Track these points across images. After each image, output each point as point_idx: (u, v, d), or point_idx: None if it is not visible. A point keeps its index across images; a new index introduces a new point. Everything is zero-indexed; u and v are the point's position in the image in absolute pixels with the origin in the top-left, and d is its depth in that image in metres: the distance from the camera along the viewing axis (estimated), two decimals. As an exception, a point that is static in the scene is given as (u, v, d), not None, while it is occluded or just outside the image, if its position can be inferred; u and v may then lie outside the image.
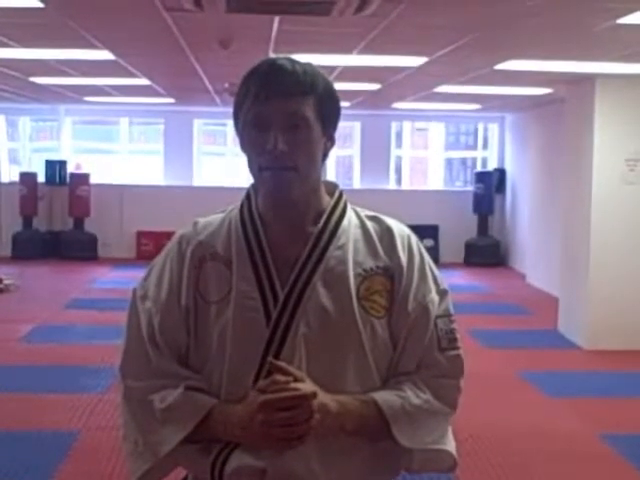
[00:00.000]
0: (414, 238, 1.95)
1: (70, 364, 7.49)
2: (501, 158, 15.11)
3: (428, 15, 5.42)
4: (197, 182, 15.13)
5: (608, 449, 5.67)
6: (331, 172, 15.33)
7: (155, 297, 1.90)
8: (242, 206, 1.93)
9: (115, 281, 12.18)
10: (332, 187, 1.96)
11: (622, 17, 5.27)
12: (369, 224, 1.93)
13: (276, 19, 5.66)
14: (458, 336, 1.93)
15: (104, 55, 7.51)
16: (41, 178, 14.48)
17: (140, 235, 14.58)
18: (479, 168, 15.60)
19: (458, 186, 16.31)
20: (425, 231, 14.44)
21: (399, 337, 1.88)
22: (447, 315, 1.92)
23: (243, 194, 1.95)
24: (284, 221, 1.88)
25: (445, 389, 1.90)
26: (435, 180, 16.13)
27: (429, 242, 14.53)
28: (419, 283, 1.89)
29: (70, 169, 14.71)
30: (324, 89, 1.84)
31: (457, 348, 1.92)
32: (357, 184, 14.96)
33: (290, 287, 1.83)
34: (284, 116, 1.78)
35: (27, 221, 14.32)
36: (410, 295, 1.87)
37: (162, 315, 1.88)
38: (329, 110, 1.85)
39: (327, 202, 1.92)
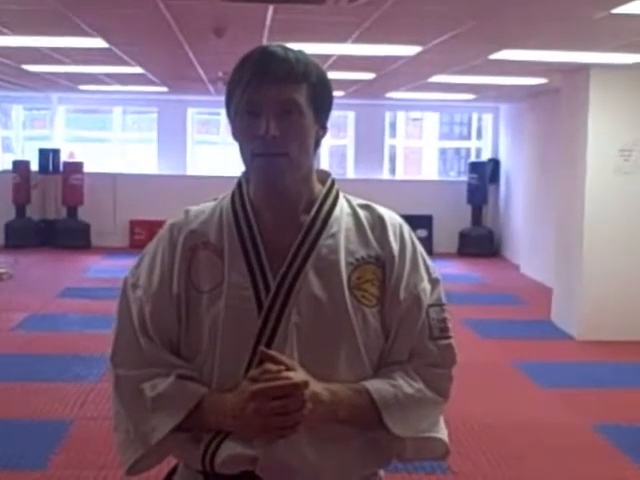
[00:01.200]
0: (406, 227, 1.95)
1: (63, 353, 7.48)
2: (495, 148, 15.11)
3: (423, 4, 5.41)
4: (191, 171, 15.11)
5: (601, 439, 5.68)
6: (325, 162, 15.31)
7: (146, 286, 1.89)
8: (234, 194, 1.92)
9: (108, 270, 12.16)
10: (324, 175, 1.95)
11: (616, 7, 5.26)
12: (361, 213, 1.92)
13: (270, 7, 5.64)
14: (450, 325, 1.93)
15: (98, 43, 7.48)
16: (34, 166, 14.44)
17: (133, 224, 14.56)
18: (473, 158, 15.60)
19: (452, 176, 16.31)
20: (419, 221, 14.43)
21: (391, 326, 1.87)
22: (439, 304, 1.92)
23: (235, 183, 1.95)
24: (276, 209, 1.87)
25: (437, 378, 1.90)
26: (429, 170, 16.13)
27: (423, 232, 14.53)
28: (411, 272, 1.89)
29: (63, 158, 14.68)
30: (317, 77, 1.83)
31: (449, 337, 1.92)
32: (351, 174, 14.96)
33: (282, 276, 1.82)
34: (276, 102, 1.77)
35: (20, 210, 14.29)
36: (402, 284, 1.87)
37: (153, 303, 1.87)
38: (322, 98, 1.85)
39: (319, 190, 1.91)
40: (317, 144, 1.87)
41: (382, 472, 1.97)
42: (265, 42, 7.06)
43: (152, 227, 14.17)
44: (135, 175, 14.73)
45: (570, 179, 8.90)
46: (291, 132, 1.78)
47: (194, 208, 1.95)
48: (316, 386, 1.76)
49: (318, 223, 1.86)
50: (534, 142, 12.39)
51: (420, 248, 1.94)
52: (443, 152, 16.64)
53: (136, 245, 14.28)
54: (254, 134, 1.78)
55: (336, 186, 1.94)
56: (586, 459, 5.40)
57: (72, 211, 14.38)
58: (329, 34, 6.74)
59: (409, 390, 1.85)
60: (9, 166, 14.43)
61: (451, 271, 12.67)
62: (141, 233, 14.40)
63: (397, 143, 16.05)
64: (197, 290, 1.86)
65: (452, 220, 14.48)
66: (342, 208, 1.91)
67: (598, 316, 8.40)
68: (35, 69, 9.96)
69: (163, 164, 14.99)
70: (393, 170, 15.95)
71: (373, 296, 1.86)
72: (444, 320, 1.92)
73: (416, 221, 14.46)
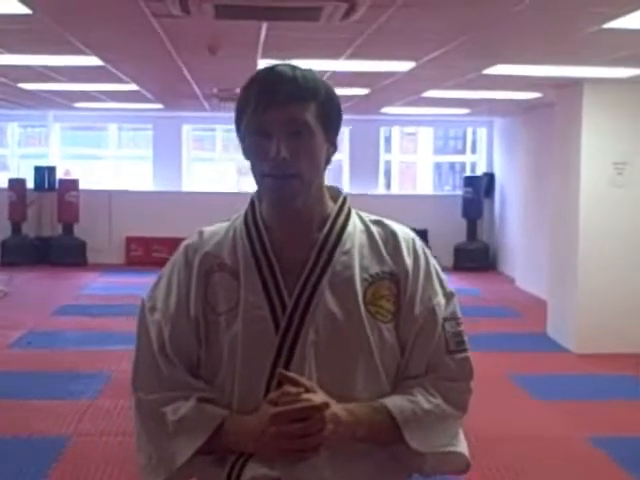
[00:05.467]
0: (419, 242, 1.95)
1: (60, 370, 7.47)
2: (490, 162, 15.14)
3: (415, 20, 5.43)
4: (186, 187, 15.12)
5: (597, 452, 5.68)
6: (320, 177, 15.28)
7: (164, 308, 1.89)
8: (246, 214, 1.92)
9: (104, 287, 12.16)
10: (336, 192, 1.95)
11: (608, 22, 5.29)
12: (374, 229, 1.92)
13: (264, 25, 5.67)
14: (466, 338, 1.94)
15: (92, 61, 7.50)
16: (30, 184, 14.43)
17: (129, 241, 14.55)
18: (468, 172, 15.61)
19: (447, 190, 16.33)
20: (414, 235, 14.44)
21: (407, 341, 1.87)
22: (454, 318, 1.92)
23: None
24: (288, 228, 1.87)
25: (455, 392, 1.90)
26: (424, 184, 16.16)
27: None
28: (425, 287, 1.89)
29: (59, 175, 14.68)
30: (325, 95, 1.83)
31: (465, 350, 1.92)
32: (346, 189, 14.95)
33: (297, 294, 1.83)
34: (286, 123, 1.77)
35: (16, 227, 14.29)
36: (417, 299, 1.87)
37: (172, 326, 1.87)
38: (331, 116, 1.85)
39: (331, 208, 1.91)
40: (327, 161, 1.88)
41: None
42: (259, 59, 7.10)
43: (148, 244, 14.22)
44: (131, 192, 14.73)
45: (564, 193, 8.93)
46: (301, 153, 1.79)
47: (208, 229, 1.95)
48: (335, 407, 1.76)
49: (332, 240, 1.86)
50: (528, 156, 12.42)
51: (434, 262, 1.95)
52: (438, 166, 16.67)
53: (132, 262, 14.28)
54: (264, 156, 1.78)
55: (348, 203, 1.94)
56: (583, 472, 5.40)
57: (68, 228, 14.37)
58: (323, 50, 6.77)
59: (428, 406, 1.85)
60: (5, 184, 14.42)
61: (447, 285, 12.68)
62: (137, 250, 14.40)
63: (392, 158, 16.07)
64: (215, 312, 1.86)
65: (447, 234, 14.47)
66: (355, 224, 1.91)
67: (593, 329, 8.41)
68: (30, 87, 9.98)
69: (158, 181, 15.00)
70: (388, 185, 15.97)
71: (388, 312, 1.86)
72: (460, 333, 1.92)
73: (411, 236, 14.49)
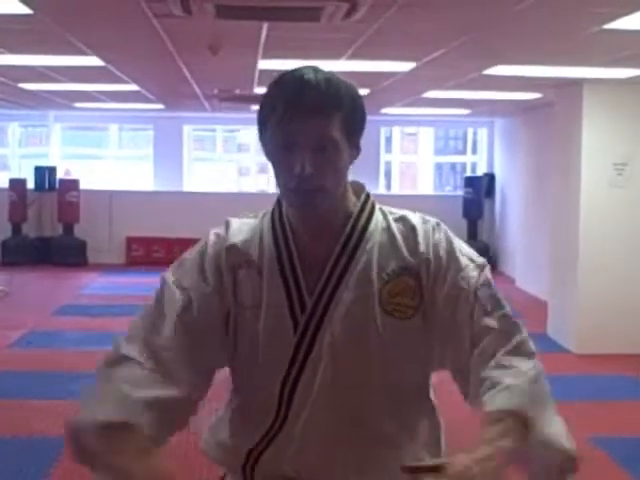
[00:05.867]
0: (439, 227, 1.93)
1: (60, 370, 7.47)
2: (490, 163, 15.14)
3: (416, 20, 5.43)
4: (187, 188, 15.12)
5: (598, 452, 5.68)
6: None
7: (194, 286, 1.86)
8: (273, 213, 1.93)
9: (105, 287, 12.16)
10: (359, 188, 1.95)
11: (609, 22, 5.29)
12: (394, 226, 1.91)
13: (265, 25, 5.67)
14: (501, 297, 1.91)
15: (93, 61, 7.50)
16: (30, 184, 14.44)
17: (130, 241, 14.55)
18: (468, 173, 15.61)
19: (448, 191, 16.33)
20: (415, 236, 14.45)
21: (443, 322, 1.85)
22: (486, 284, 1.89)
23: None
24: (312, 229, 1.88)
25: (519, 346, 1.86)
26: (425, 185, 16.16)
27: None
28: (450, 266, 1.87)
29: (59, 175, 14.68)
30: (350, 102, 1.81)
31: (503, 307, 1.88)
32: (347, 189, 14.95)
33: (317, 296, 1.84)
34: (311, 137, 1.76)
35: (16, 227, 14.29)
36: (447, 278, 1.86)
37: (202, 302, 1.85)
38: (355, 123, 1.83)
39: (354, 204, 1.91)
40: (351, 163, 1.86)
41: None
42: (260, 59, 7.10)
43: (149, 244, 14.22)
44: (131, 192, 14.74)
45: (565, 193, 8.93)
46: (326, 167, 1.78)
47: (235, 221, 1.95)
48: (481, 465, 1.68)
49: (354, 239, 1.87)
50: (529, 156, 12.42)
51: (458, 241, 1.93)
52: (438, 167, 16.67)
53: (133, 262, 14.29)
54: (289, 170, 1.77)
55: (371, 199, 1.94)
56: (583, 472, 5.37)
57: (68, 228, 14.37)
58: (324, 51, 6.77)
59: (519, 379, 1.80)
60: (5, 184, 14.43)
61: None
62: (137, 250, 14.40)
63: (392, 158, 16.08)
64: (242, 306, 1.87)
65: (448, 235, 14.46)
66: (377, 222, 1.91)
67: (594, 329, 8.41)
68: (31, 87, 9.99)
69: (159, 181, 15.00)
70: (389, 185, 15.98)
71: (408, 307, 1.85)
72: (494, 296, 1.89)
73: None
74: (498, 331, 1.83)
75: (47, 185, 14.51)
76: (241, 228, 1.93)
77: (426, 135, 16.19)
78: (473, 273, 1.88)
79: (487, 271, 1.92)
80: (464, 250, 1.92)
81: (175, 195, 14.58)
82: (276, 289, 1.85)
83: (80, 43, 6.53)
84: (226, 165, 16.01)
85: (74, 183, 14.43)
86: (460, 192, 14.99)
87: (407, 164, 16.71)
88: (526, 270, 12.51)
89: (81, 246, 14.35)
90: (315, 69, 1.80)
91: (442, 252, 1.88)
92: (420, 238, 1.89)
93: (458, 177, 16.19)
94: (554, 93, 9.15)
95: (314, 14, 5.08)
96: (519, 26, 5.57)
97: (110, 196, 14.55)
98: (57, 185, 14.47)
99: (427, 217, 1.96)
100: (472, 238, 14.55)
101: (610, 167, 8.41)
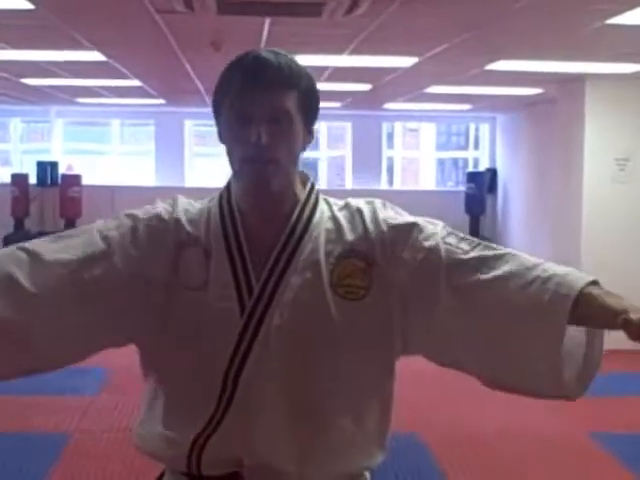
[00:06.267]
0: (385, 205, 1.93)
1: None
2: (492, 158, 15.13)
3: (418, 16, 5.43)
4: (189, 183, 15.12)
5: (599, 448, 5.69)
6: (323, 173, 15.33)
7: (121, 243, 1.90)
8: (221, 197, 1.93)
9: (107, 282, 12.15)
10: (305, 177, 1.96)
11: (611, 18, 5.29)
12: (340, 214, 1.92)
13: (267, 20, 5.67)
14: (469, 237, 1.90)
15: (95, 56, 7.50)
16: (32, 179, 14.44)
17: (132, 236, 14.52)
18: (471, 168, 15.61)
19: (450, 186, 16.31)
20: (417, 231, 14.44)
21: (415, 283, 1.83)
22: (452, 233, 1.89)
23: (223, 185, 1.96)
24: (261, 213, 1.88)
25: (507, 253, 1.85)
26: (427, 180, 16.14)
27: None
28: (408, 235, 1.86)
29: (61, 170, 14.68)
30: (307, 84, 1.85)
31: (479, 244, 1.87)
32: (349, 185, 14.95)
33: (265, 279, 1.83)
34: (267, 109, 1.79)
35: (19, 222, 14.28)
36: (405, 249, 1.85)
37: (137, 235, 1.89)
38: (311, 105, 1.86)
39: (300, 192, 1.92)
40: (303, 149, 1.89)
41: (368, 474, 1.95)
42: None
43: (150, 239, 14.22)
44: (133, 187, 14.71)
45: (567, 188, 8.92)
46: (281, 139, 1.80)
47: (183, 200, 1.96)
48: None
49: (300, 226, 1.87)
50: (531, 152, 12.41)
51: (404, 213, 1.93)
52: (441, 162, 16.65)
53: (134, 257, 14.27)
54: (245, 140, 1.79)
55: (316, 189, 1.95)
56: (583, 467, 5.40)
57: (70, 224, 14.33)
58: (326, 46, 6.77)
59: (532, 260, 1.81)
60: (7, 179, 14.43)
61: (449, 281, 12.69)
62: (139, 245, 14.39)
63: (395, 154, 16.07)
64: (183, 287, 1.85)
65: (450, 230, 14.47)
66: (322, 211, 1.92)
67: (596, 325, 8.40)
68: (33, 82, 9.98)
69: (161, 176, 15.00)
70: (391, 181, 15.96)
71: (359, 287, 1.84)
72: (465, 237, 1.89)
73: (414, 231, 14.49)
74: (486, 258, 1.82)
75: (49, 180, 14.52)
76: (188, 208, 1.93)
77: (428, 130, 16.17)
78: (434, 230, 1.88)
79: (448, 227, 1.92)
80: (417, 220, 1.92)
81: (177, 190, 14.17)
82: (223, 271, 1.84)
83: (82, 38, 6.53)
84: (227, 160, 15.96)
85: (76, 178, 14.43)
86: (462, 188, 14.98)
87: (409, 160, 16.69)
88: (528, 266, 12.48)
89: (83, 241, 14.31)
90: (274, 51, 1.85)
91: (395, 223, 1.88)
92: (367, 219, 1.89)
93: (460, 173, 16.18)
94: (556, 88, 9.14)
95: (316, 9, 5.08)
96: (521, 21, 5.57)
97: (112, 191, 14.54)
98: (59, 180, 14.47)
99: (370, 199, 1.96)
100: (474, 234, 14.54)
101: (612, 163, 8.41)
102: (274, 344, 1.81)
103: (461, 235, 1.90)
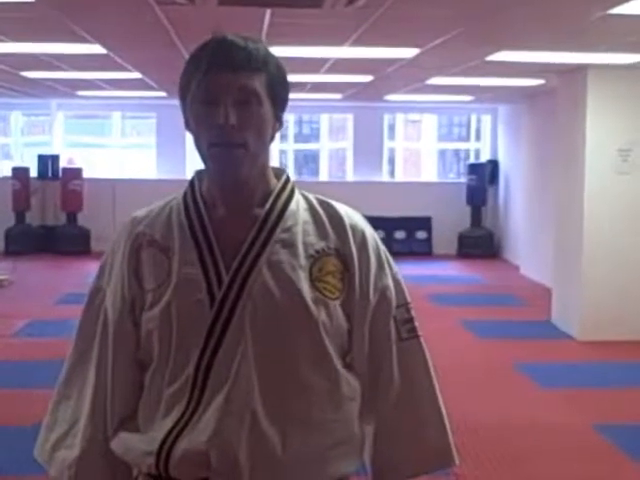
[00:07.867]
0: (367, 225, 1.93)
1: (63, 359, 7.46)
2: (494, 149, 15.11)
3: (420, 7, 5.41)
4: (190, 176, 15.04)
5: (602, 439, 5.68)
6: (324, 165, 15.32)
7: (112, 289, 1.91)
8: (185, 193, 1.91)
9: (108, 275, 12.13)
10: (280, 172, 1.93)
11: (614, 7, 5.27)
12: (319, 208, 1.89)
13: (267, 12, 5.65)
14: (417, 324, 1.93)
15: (95, 49, 7.48)
16: (33, 173, 14.45)
17: (133, 229, 14.52)
18: (472, 160, 15.60)
19: (451, 178, 16.31)
20: (418, 223, 14.46)
21: (358, 325, 1.86)
22: (404, 304, 1.92)
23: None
24: (230, 203, 1.85)
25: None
26: (428, 172, 16.13)
27: (422, 234, 14.55)
28: (377, 272, 1.88)
29: (62, 163, 14.67)
30: (276, 68, 1.81)
31: (417, 337, 1.93)
32: (350, 176, 14.95)
33: (235, 270, 1.79)
34: (235, 90, 1.75)
35: (20, 216, 14.29)
36: (370, 283, 1.86)
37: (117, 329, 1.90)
38: (280, 90, 1.83)
39: (274, 184, 1.88)
40: (272, 137, 1.85)
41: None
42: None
43: (152, 232, 14.21)
44: (134, 180, 14.72)
45: (569, 179, 8.91)
46: (249, 122, 1.76)
47: (140, 212, 1.98)
48: None
49: (273, 217, 1.83)
50: (533, 143, 12.39)
51: (383, 247, 1.93)
52: (442, 154, 16.64)
53: (136, 250, 14.27)
54: (212, 123, 1.75)
55: (292, 181, 1.92)
56: (587, 459, 5.40)
57: (72, 217, 14.37)
58: (327, 37, 6.75)
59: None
60: (8, 173, 14.44)
61: (451, 272, 12.69)
62: (141, 238, 14.38)
63: (396, 145, 16.06)
64: (142, 289, 1.85)
65: (451, 222, 14.47)
66: (298, 203, 1.88)
67: (598, 316, 8.41)
68: (33, 75, 9.97)
69: (162, 169, 15.00)
70: (392, 172, 15.96)
71: (335, 288, 1.83)
72: (411, 320, 1.92)
73: (415, 223, 14.49)
74: (392, 372, 1.91)
75: (50, 174, 14.51)
76: (145, 215, 1.94)
77: (429, 122, 16.15)
78: (392, 285, 1.91)
79: (404, 287, 1.94)
80: (389, 259, 1.93)
81: (178, 183, 14.24)
82: (190, 264, 1.81)
83: (82, 31, 6.51)
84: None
85: (77, 171, 14.43)
86: (464, 179, 14.97)
87: (410, 151, 16.68)
88: (530, 257, 12.50)
89: (85, 234, 14.34)
90: (244, 36, 1.80)
91: (371, 251, 1.89)
92: (347, 225, 1.87)
93: (462, 164, 16.17)
94: (558, 79, 9.12)
95: (317, 0, 5.06)
96: (523, 12, 5.55)
97: (113, 184, 14.55)
98: (60, 174, 14.46)
99: (352, 209, 1.95)
100: (476, 225, 14.55)
101: (615, 153, 8.39)
102: (246, 336, 1.77)
103: (410, 314, 1.94)
